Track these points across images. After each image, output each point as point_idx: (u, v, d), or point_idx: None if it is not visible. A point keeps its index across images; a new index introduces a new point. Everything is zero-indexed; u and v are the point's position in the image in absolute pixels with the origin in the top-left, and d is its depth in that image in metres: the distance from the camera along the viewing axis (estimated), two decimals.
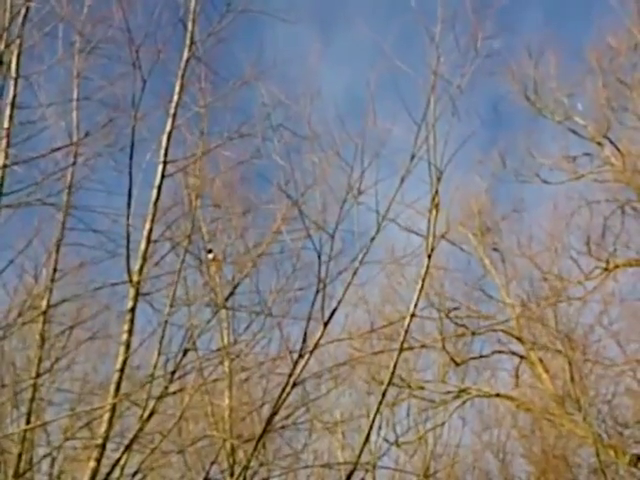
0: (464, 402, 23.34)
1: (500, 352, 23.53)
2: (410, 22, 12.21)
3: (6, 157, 10.19)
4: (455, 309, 22.57)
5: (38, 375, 11.63)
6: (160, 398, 10.89)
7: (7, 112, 10.35)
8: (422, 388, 22.66)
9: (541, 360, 22.58)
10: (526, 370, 23.43)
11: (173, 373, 11.06)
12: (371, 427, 13.21)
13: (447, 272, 22.90)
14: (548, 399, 22.28)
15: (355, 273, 11.67)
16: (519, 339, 22.72)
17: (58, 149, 10.60)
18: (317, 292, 11.34)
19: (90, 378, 17.19)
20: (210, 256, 13.12)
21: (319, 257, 11.35)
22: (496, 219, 24.23)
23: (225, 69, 12.28)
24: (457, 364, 22.87)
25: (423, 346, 20.20)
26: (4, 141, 10.18)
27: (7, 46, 9.79)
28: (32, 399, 11.55)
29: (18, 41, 10.31)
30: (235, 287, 12.00)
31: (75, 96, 11.18)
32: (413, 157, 11.85)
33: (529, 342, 22.61)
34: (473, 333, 22.53)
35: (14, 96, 10.49)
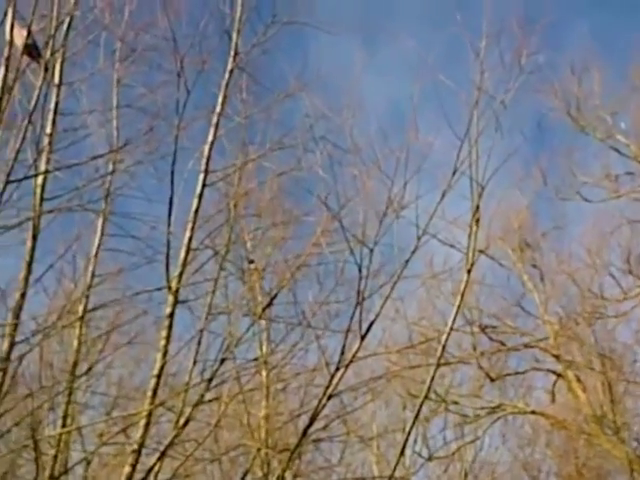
0: (498, 418, 23.18)
1: (536, 369, 23.35)
2: (455, 36, 12.18)
3: (48, 163, 10.29)
4: (493, 327, 22.42)
5: (74, 378, 11.72)
6: (196, 406, 10.93)
7: (50, 118, 10.44)
8: (457, 403, 22.51)
9: (578, 378, 22.37)
10: (562, 388, 23.24)
11: (210, 381, 11.09)
12: (406, 441, 13.24)
13: (485, 287, 22.78)
14: (584, 418, 22.07)
15: (394, 287, 11.67)
16: (556, 357, 22.53)
17: (100, 156, 10.69)
18: (356, 305, 11.34)
19: (125, 383, 17.27)
20: (252, 266, 13.15)
21: (359, 270, 11.36)
22: (536, 236, 24.04)
23: (268, 80, 12.35)
24: (492, 380, 22.72)
25: (459, 361, 20.08)
26: (47, 147, 10.27)
27: (52, 54, 9.85)
28: (68, 402, 11.63)
29: (62, 49, 10.39)
30: (273, 298, 12.00)
31: (116, 103, 11.29)
32: (455, 172, 11.85)
33: (566, 360, 22.42)
34: (509, 349, 22.38)
35: (57, 103, 10.59)
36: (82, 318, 11.30)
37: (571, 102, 22.98)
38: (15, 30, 9.44)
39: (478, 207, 11.98)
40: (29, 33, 9.37)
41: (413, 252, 11.71)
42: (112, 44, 11.27)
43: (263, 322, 13.53)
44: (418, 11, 24.38)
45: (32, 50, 9.49)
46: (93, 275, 11.36)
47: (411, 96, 12.01)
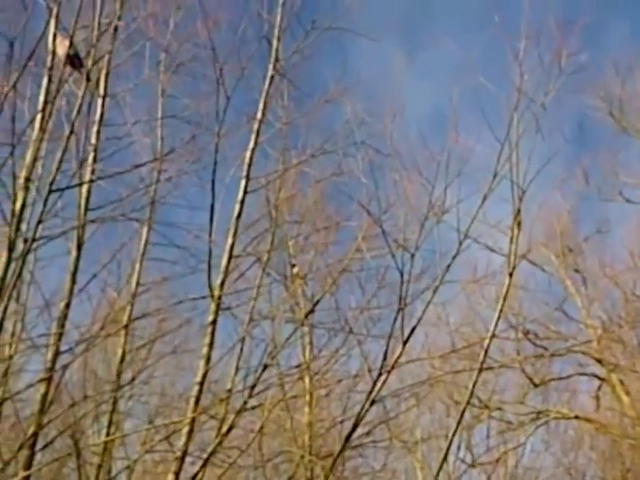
0: (542, 424, 23.00)
1: (580, 374, 23.16)
2: (494, 38, 12.12)
3: (92, 172, 10.35)
4: (535, 335, 22.26)
5: (119, 388, 11.77)
6: (239, 413, 10.93)
7: (95, 129, 10.52)
8: (500, 409, 22.36)
9: (622, 382, 22.16)
10: (606, 392, 23.02)
11: (253, 388, 11.09)
12: (449, 447, 13.13)
13: (527, 292, 22.63)
14: (628, 422, 21.85)
15: (435, 292, 11.62)
16: (599, 361, 22.33)
17: (142, 165, 10.75)
18: (398, 311, 11.31)
19: (168, 391, 17.32)
20: (294, 270, 13.16)
21: (401, 275, 11.33)
22: (578, 240, 23.87)
23: (309, 85, 12.35)
24: (535, 385, 22.57)
25: (502, 366, 19.92)
26: (91, 157, 10.34)
27: (94, 63, 9.91)
28: (112, 411, 11.69)
29: (106, 60, 10.47)
30: (316, 304, 12.01)
31: (160, 114, 11.36)
32: (495, 175, 11.79)
33: (610, 364, 22.21)
34: (552, 354, 22.19)
35: (102, 113, 10.67)
36: (126, 327, 11.35)
37: (613, 103, 22.81)
38: (57, 40, 9.54)
39: (519, 211, 11.92)
40: (71, 43, 9.43)
41: (454, 257, 11.67)
42: (154, 54, 11.34)
43: (305, 328, 13.55)
44: (457, 13, 24.35)
45: (74, 60, 9.55)
46: (137, 284, 11.42)
47: (451, 100, 11.99)
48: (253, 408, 11.61)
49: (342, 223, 13.23)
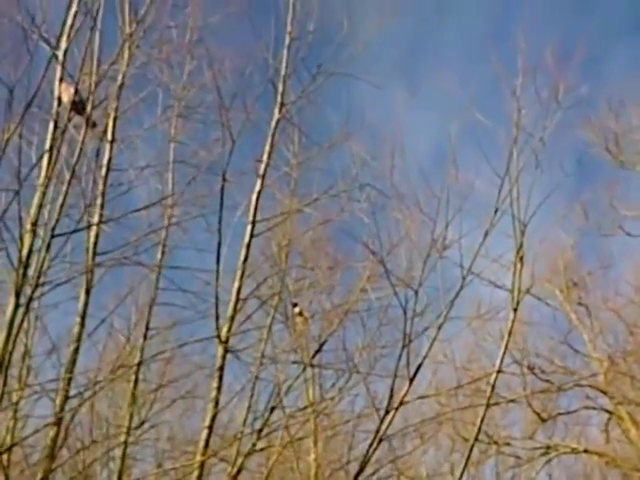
0: (552, 459, 22.91)
1: (588, 408, 23.08)
2: (492, 74, 12.28)
3: (100, 217, 10.42)
4: (540, 369, 22.21)
5: (129, 432, 11.77)
6: (248, 455, 10.95)
7: (102, 174, 10.62)
8: (508, 444, 22.31)
9: (630, 415, 22.10)
10: (615, 425, 22.94)
11: (261, 430, 11.10)
12: None
13: (532, 327, 22.62)
14: (638, 455, 21.75)
15: (440, 329, 11.67)
16: (607, 394, 22.28)
17: (147, 207, 10.80)
18: (403, 348, 11.34)
19: (175, 434, 17.31)
20: (296, 310, 13.21)
21: (404, 313, 11.38)
22: (582, 274, 23.89)
23: (314, 128, 12.46)
24: (543, 420, 22.50)
25: (509, 402, 19.89)
26: (98, 202, 10.41)
27: (94, 107, 9.99)
28: (123, 456, 11.68)
29: (113, 105, 10.58)
30: (322, 345, 12.03)
31: (169, 159, 11.47)
32: (496, 210, 11.88)
33: (617, 397, 22.16)
34: (559, 389, 22.16)
35: (109, 158, 10.78)
36: (136, 372, 11.37)
37: (609, 137, 22.92)
38: (62, 87, 9.65)
39: (522, 245, 12.01)
40: (76, 90, 9.54)
41: (458, 293, 11.73)
42: (162, 99, 11.45)
43: (311, 369, 13.54)
44: (456, 48, 24.63)
45: (80, 107, 9.65)
46: (147, 328, 11.45)
47: (450, 137, 12.11)
48: (262, 450, 11.62)
49: (346, 264, 13.29)
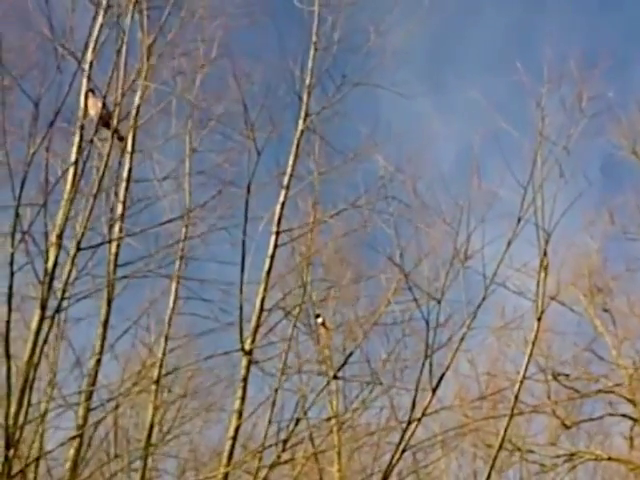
0: (576, 466, 22.75)
1: (612, 415, 22.92)
2: (516, 82, 12.20)
3: (121, 230, 10.43)
4: (566, 375, 22.07)
5: (150, 444, 11.75)
6: (272, 467, 10.90)
7: (123, 186, 10.62)
8: (532, 452, 22.17)
9: None
10: (639, 433, 22.77)
11: (285, 442, 11.05)
12: None
13: (556, 334, 22.45)
14: None
15: (463, 339, 11.59)
16: (631, 401, 22.12)
17: (171, 220, 10.78)
18: (425, 358, 11.27)
19: (197, 446, 17.31)
20: (319, 321, 13.19)
21: (427, 324, 11.31)
22: (607, 279, 23.70)
23: (340, 138, 12.42)
24: (567, 427, 22.37)
25: (534, 411, 19.80)
26: (120, 214, 10.42)
27: (120, 120, 9.97)
28: (144, 468, 11.64)
29: (134, 118, 10.57)
30: (348, 357, 11.99)
31: (189, 170, 11.44)
32: (520, 220, 11.80)
33: None
34: (584, 396, 22.03)
35: (130, 170, 10.77)
36: (157, 383, 11.34)
37: (637, 140, 22.75)
38: (90, 101, 9.65)
39: (545, 254, 11.92)
40: (104, 104, 9.54)
41: (481, 302, 11.63)
42: (184, 110, 11.46)
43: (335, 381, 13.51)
44: (480, 56, 24.62)
45: (108, 121, 9.64)
46: (167, 339, 11.43)
47: (472, 147, 12.06)
48: (285, 462, 11.58)
49: (370, 276, 13.24)
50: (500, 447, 12.96)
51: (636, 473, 22.33)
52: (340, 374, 12.43)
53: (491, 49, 25.50)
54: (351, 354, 11.95)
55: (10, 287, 8.42)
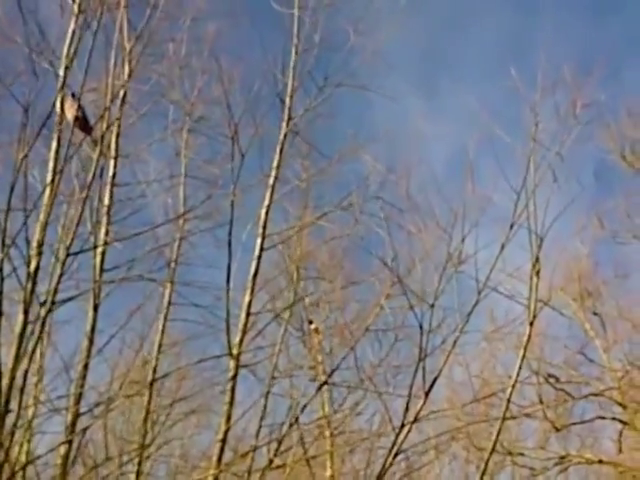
0: (565, 469, 22.72)
1: (602, 418, 22.88)
2: (510, 88, 12.15)
3: (107, 234, 10.36)
4: (555, 378, 22.03)
5: (143, 448, 11.67)
6: (264, 471, 10.85)
7: (107, 190, 10.54)
8: (522, 455, 22.13)
9: None
10: (629, 436, 22.75)
11: (279, 446, 11.00)
12: None
13: (547, 337, 22.41)
14: None
15: (456, 343, 11.54)
16: (621, 404, 22.10)
17: (158, 226, 10.74)
18: (419, 362, 11.21)
19: (187, 450, 17.25)
20: (312, 326, 13.14)
21: (420, 327, 11.25)
22: (597, 283, 23.70)
23: (325, 140, 12.39)
24: (558, 430, 22.32)
25: (525, 415, 19.79)
26: (105, 219, 10.35)
27: (108, 127, 9.89)
28: (138, 472, 11.57)
29: (116, 122, 10.49)
30: (340, 363, 11.93)
31: (175, 173, 11.41)
32: (513, 225, 11.75)
33: (632, 407, 21.97)
34: (575, 399, 22.01)
35: (114, 175, 10.72)
36: (150, 387, 11.29)
37: (625, 145, 22.74)
38: (66, 104, 9.56)
39: (538, 259, 11.87)
40: (79, 106, 9.45)
41: (474, 306, 11.58)
42: (168, 114, 11.39)
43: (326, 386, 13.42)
44: (473, 60, 24.62)
45: (83, 123, 9.56)
46: (160, 345, 11.37)
47: (465, 150, 12.01)
48: (278, 467, 11.53)
49: (361, 277, 13.19)
50: (492, 450, 12.91)
51: (626, 476, 22.33)
52: (331, 380, 12.36)
53: (486, 54, 25.52)
54: (344, 359, 11.89)
55: (0, 292, 8.35)
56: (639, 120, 22.56)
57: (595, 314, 23.18)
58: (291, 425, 11.18)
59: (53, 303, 8.96)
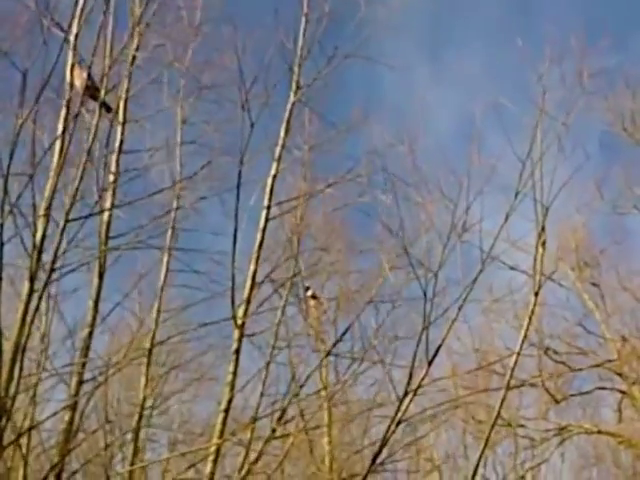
0: (565, 440, 22.81)
1: (601, 388, 22.94)
2: (517, 58, 12.09)
3: (113, 201, 10.30)
4: (555, 351, 22.04)
5: (142, 416, 11.68)
6: (267, 441, 10.86)
7: (114, 157, 10.47)
8: (522, 426, 22.17)
9: None
10: (628, 406, 22.81)
11: (281, 416, 11.00)
12: (476, 469, 13.01)
13: (546, 308, 22.37)
14: None
15: (460, 310, 11.51)
16: (620, 375, 22.13)
17: (161, 190, 10.68)
18: (422, 330, 11.18)
19: (187, 419, 17.27)
20: (308, 293, 13.09)
21: (424, 295, 11.22)
22: (594, 253, 23.65)
23: (333, 110, 12.32)
24: (557, 401, 22.35)
25: (528, 384, 19.78)
26: (111, 185, 10.28)
27: (107, 92, 9.79)
28: (136, 439, 11.57)
29: (125, 88, 10.41)
30: (344, 334, 11.92)
31: (181, 141, 11.31)
32: (517, 194, 11.70)
33: (631, 378, 22.01)
34: (574, 370, 22.02)
35: (121, 141, 10.63)
36: (149, 354, 11.26)
37: (625, 116, 22.61)
38: (75, 72, 9.48)
39: (543, 229, 11.83)
40: (89, 75, 9.37)
41: (478, 275, 11.55)
42: (177, 81, 11.31)
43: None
44: (479, 27, 24.47)
45: (93, 91, 9.48)
46: (159, 311, 11.33)
47: (472, 119, 11.95)
48: (281, 437, 11.53)
49: (365, 247, 13.15)
50: (495, 421, 12.92)
51: (625, 446, 22.42)
52: (333, 350, 12.35)
53: (492, 21, 25.30)
54: (346, 331, 11.86)
55: (0, 258, 8.30)
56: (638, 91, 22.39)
57: (594, 284, 23.16)
58: (295, 396, 11.18)
59: (52, 271, 8.90)
